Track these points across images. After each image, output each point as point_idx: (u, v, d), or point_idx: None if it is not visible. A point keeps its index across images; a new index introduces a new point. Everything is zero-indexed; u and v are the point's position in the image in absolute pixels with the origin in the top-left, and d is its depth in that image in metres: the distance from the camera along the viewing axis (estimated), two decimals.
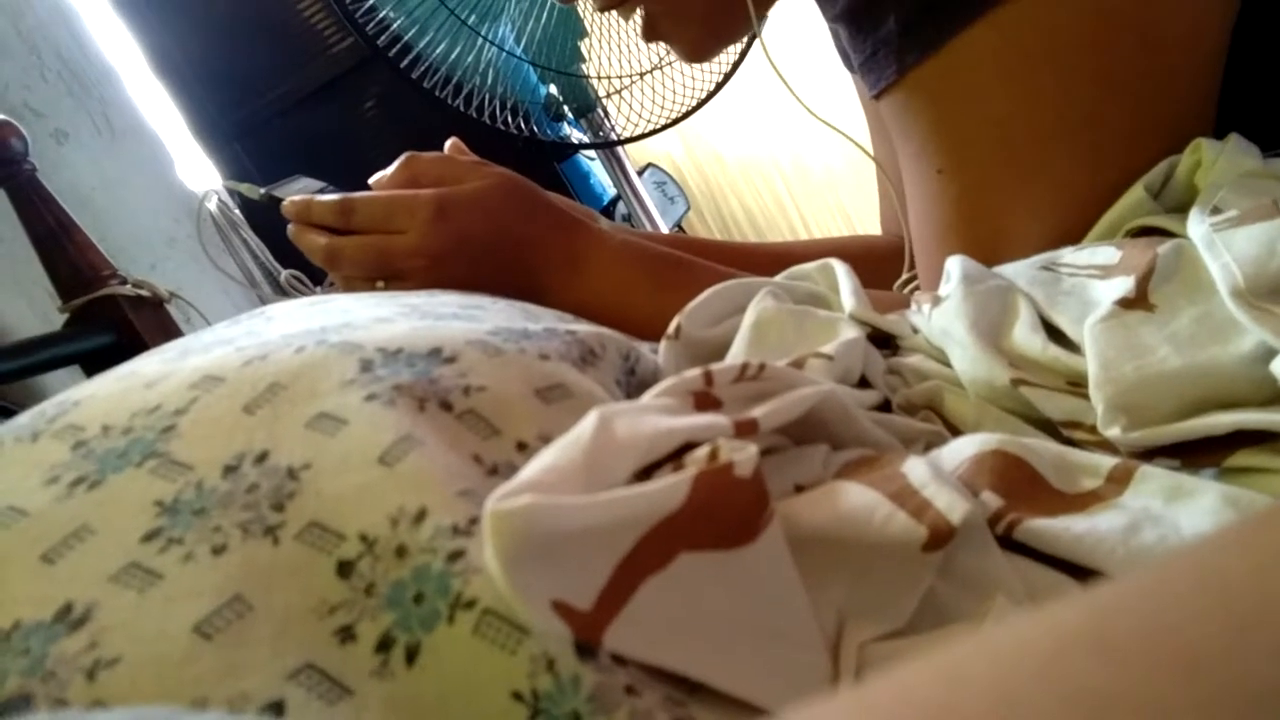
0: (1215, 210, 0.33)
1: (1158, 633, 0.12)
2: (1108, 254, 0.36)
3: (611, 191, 1.37)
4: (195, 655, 0.23)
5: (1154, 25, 0.42)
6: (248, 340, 0.36)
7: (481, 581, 0.24)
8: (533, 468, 0.25)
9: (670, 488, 0.24)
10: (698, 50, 0.72)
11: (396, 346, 0.34)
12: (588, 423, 0.27)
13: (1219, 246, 0.30)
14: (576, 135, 1.23)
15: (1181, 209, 0.36)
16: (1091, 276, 0.35)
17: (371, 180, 0.67)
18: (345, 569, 0.25)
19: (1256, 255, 0.28)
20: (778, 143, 2.06)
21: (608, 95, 1.16)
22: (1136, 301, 0.31)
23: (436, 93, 1.03)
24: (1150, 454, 0.29)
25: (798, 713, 0.12)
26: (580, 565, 0.23)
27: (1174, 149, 0.40)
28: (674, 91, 1.17)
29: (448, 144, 0.72)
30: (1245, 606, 0.12)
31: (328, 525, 0.26)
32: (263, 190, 0.67)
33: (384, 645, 0.23)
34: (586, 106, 1.17)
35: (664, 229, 1.33)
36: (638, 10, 0.68)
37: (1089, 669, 0.11)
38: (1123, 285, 0.32)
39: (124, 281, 0.85)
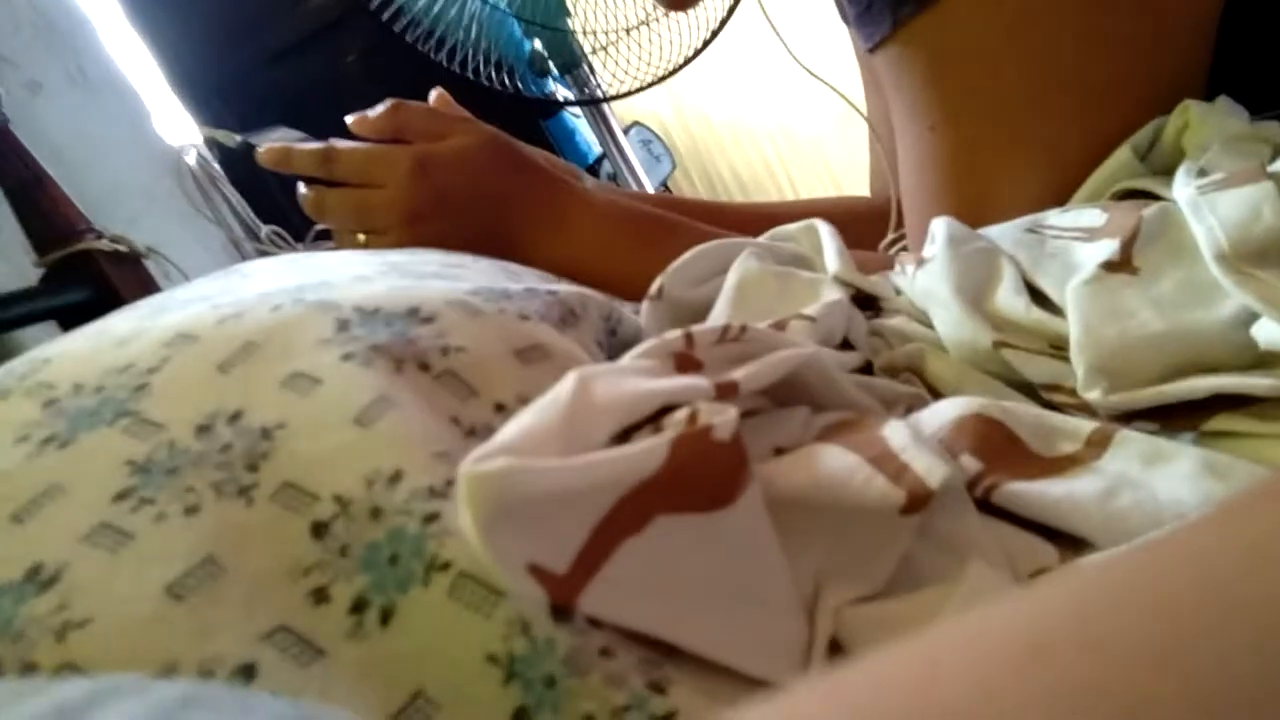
0: (1202, 173, 0.32)
1: (1141, 625, 0.12)
2: (1093, 216, 0.35)
3: (597, 150, 1.36)
4: (166, 617, 0.23)
5: None
6: (223, 298, 0.36)
7: (457, 544, 0.23)
8: (510, 430, 0.24)
9: (648, 451, 0.24)
10: None
11: (374, 306, 0.33)
12: (566, 384, 0.26)
13: (1204, 210, 0.29)
14: (562, 92, 1.21)
15: (1169, 171, 0.36)
16: (1076, 239, 0.35)
17: (351, 120, 0.65)
18: (319, 530, 0.25)
19: (1241, 219, 0.28)
20: (767, 104, 2.04)
21: (593, 51, 1.14)
22: (1120, 264, 0.31)
23: (419, 47, 1.01)
24: (1130, 417, 0.29)
25: (774, 699, 0.12)
26: (556, 528, 0.22)
27: (1166, 112, 0.40)
28: (661, 48, 1.15)
29: (432, 95, 0.70)
30: (1230, 598, 0.12)
31: (302, 486, 0.26)
32: (239, 138, 0.66)
33: (358, 607, 0.23)
34: (572, 62, 1.15)
35: (649, 188, 1.32)
36: None
37: (1072, 661, 0.11)
38: (1107, 248, 0.32)
39: (100, 236, 0.84)
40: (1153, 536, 0.15)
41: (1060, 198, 0.41)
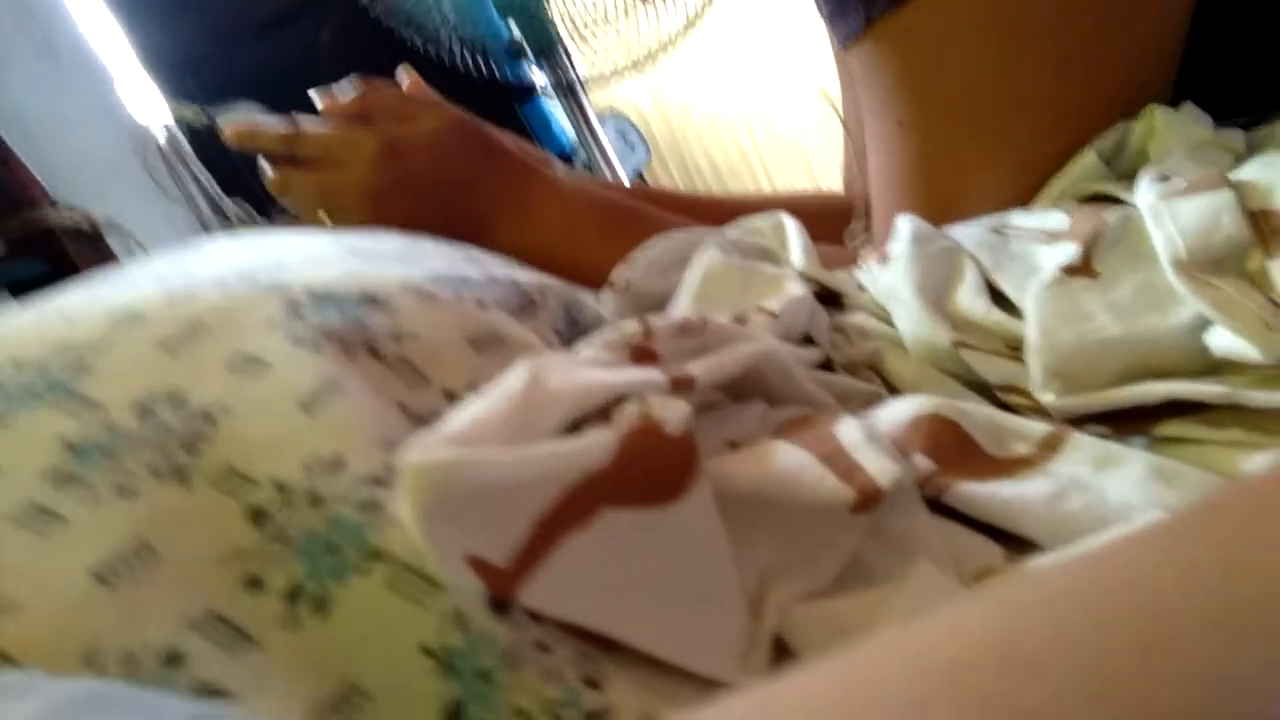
0: (1164, 178, 0.32)
1: (1069, 648, 0.11)
2: (1057, 219, 0.35)
3: (573, 136, 1.35)
4: (92, 602, 0.22)
5: None
6: (175, 277, 0.35)
7: (396, 534, 0.23)
8: (456, 419, 0.24)
9: (596, 444, 0.23)
10: None
11: (327, 289, 0.33)
12: (517, 374, 0.26)
13: (1164, 216, 0.29)
14: (538, 77, 1.20)
15: (1133, 176, 0.36)
16: (1039, 241, 0.35)
17: (318, 98, 0.65)
18: (257, 516, 0.24)
19: (1200, 226, 0.28)
20: (747, 96, 2.04)
21: (570, 37, 1.13)
22: (1080, 268, 0.31)
23: (393, 28, 1.00)
24: (1083, 420, 0.29)
25: (702, 710, 0.12)
26: (498, 521, 0.22)
27: (1133, 116, 0.40)
28: (639, 35, 1.14)
29: (401, 76, 0.69)
30: (1160, 624, 0.12)
31: (241, 470, 0.25)
32: (204, 114, 0.65)
33: (293, 595, 0.23)
34: (548, 47, 1.14)
35: (624, 177, 1.31)
36: None
37: (998, 682, 0.11)
38: (1068, 251, 0.32)
39: (60, 210, 0.82)
40: (1092, 550, 0.15)
41: (1026, 198, 0.41)
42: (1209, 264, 0.27)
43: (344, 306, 0.31)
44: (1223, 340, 0.26)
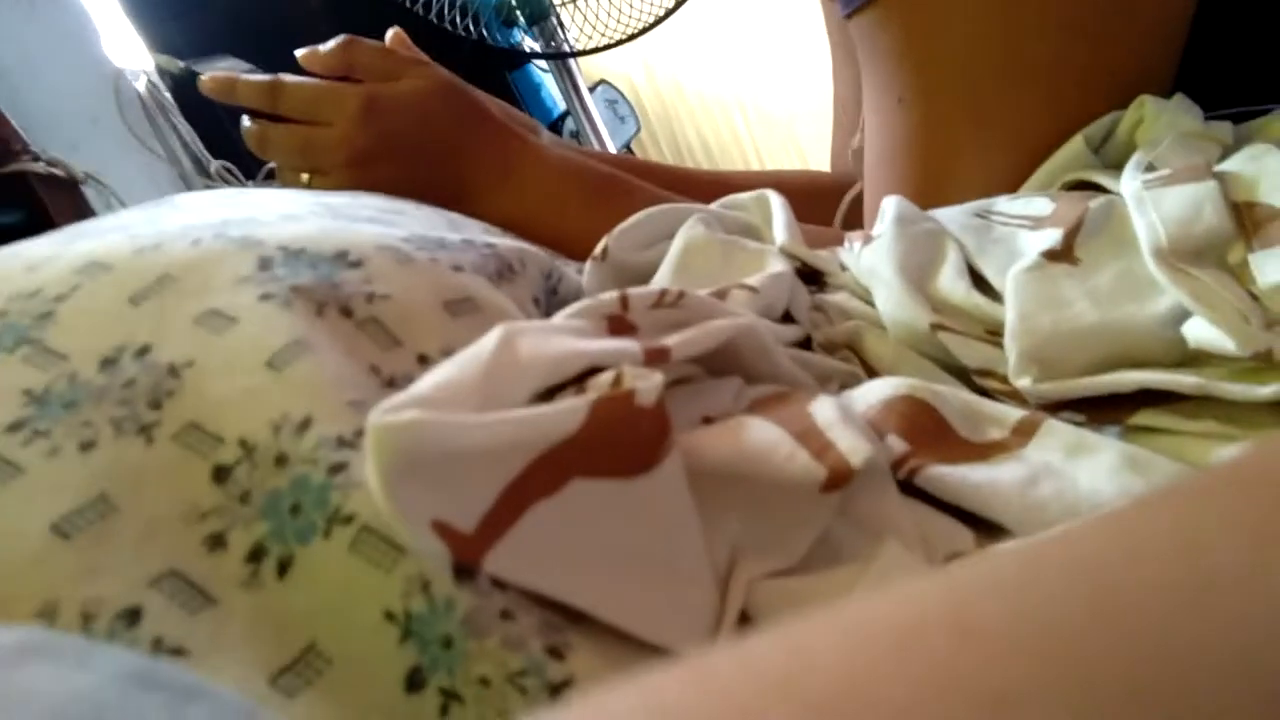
0: (1150, 167, 0.32)
1: (1018, 617, 0.11)
2: (1041, 205, 0.35)
3: (561, 106, 1.33)
4: (50, 555, 0.22)
5: None
6: (145, 228, 0.34)
7: (362, 497, 0.23)
8: (426, 382, 0.24)
9: (567, 412, 0.23)
10: None
11: (300, 246, 0.32)
12: (490, 339, 0.25)
13: (1147, 204, 0.29)
14: (529, 43, 1.19)
15: (1120, 164, 0.36)
16: (1022, 226, 0.35)
17: (301, 54, 0.63)
18: (221, 474, 0.24)
19: (1182, 216, 0.28)
20: (741, 75, 2.02)
21: (563, 4, 1.12)
22: (1061, 254, 0.31)
23: None
24: (1058, 407, 0.29)
25: (640, 678, 0.12)
26: (465, 486, 0.22)
27: (1128, 103, 0.40)
28: (634, 5, 1.13)
29: (389, 34, 0.68)
30: (1110, 596, 0.12)
31: (206, 427, 0.25)
32: (182, 64, 0.64)
33: (255, 555, 0.22)
34: (540, 14, 1.12)
35: (611, 148, 1.30)
36: None
37: (944, 649, 0.11)
38: (1050, 237, 0.32)
39: (36, 158, 0.81)
40: (1040, 534, 0.15)
41: (1017, 180, 0.41)
42: (1189, 254, 0.27)
43: (317, 264, 0.31)
44: (1199, 331, 0.26)
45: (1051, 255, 0.30)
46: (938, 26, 0.42)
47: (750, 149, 2.10)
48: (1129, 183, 0.32)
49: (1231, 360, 0.26)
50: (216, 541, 0.23)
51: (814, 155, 2.00)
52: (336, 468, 0.23)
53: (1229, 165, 0.31)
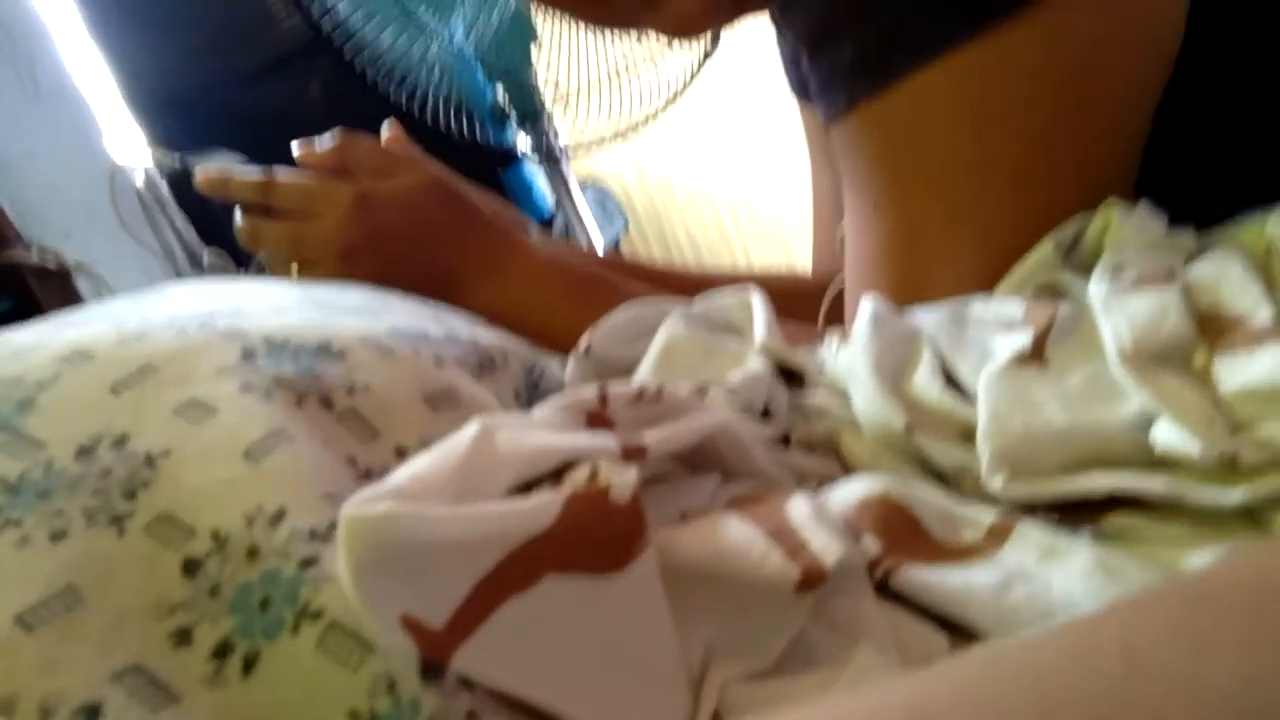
0: (1117, 271, 0.33)
1: (971, 713, 0.12)
2: (1013, 308, 0.36)
3: (552, 202, 1.36)
4: (12, 647, 0.21)
5: (1097, 89, 0.43)
6: (131, 317, 0.35)
7: (332, 591, 0.22)
8: (401, 474, 0.24)
9: (541, 507, 0.23)
10: (685, 22, 0.68)
11: (284, 337, 0.32)
12: (467, 432, 0.26)
13: (1114, 308, 0.30)
14: (521, 141, 1.22)
15: (1089, 268, 0.37)
16: (996, 328, 0.36)
17: (297, 149, 0.65)
18: (191, 567, 0.24)
19: (1147, 321, 0.29)
20: (731, 175, 2.07)
21: (554, 103, 1.15)
22: (1032, 357, 0.31)
23: (379, 84, 1.01)
24: (1032, 508, 0.29)
25: None
26: (437, 580, 0.22)
27: (1095, 206, 0.41)
28: (624, 105, 1.16)
29: (385, 130, 0.70)
30: (1057, 696, 0.12)
31: (179, 519, 0.25)
32: (177, 159, 0.65)
33: (221, 651, 0.22)
34: (532, 112, 1.16)
35: (600, 246, 1.32)
36: None
37: None
38: (1022, 339, 0.32)
39: (28, 247, 0.82)
40: (1001, 642, 0.16)
41: (991, 283, 0.42)
42: (1154, 358, 0.28)
43: (299, 355, 0.31)
44: (1165, 436, 0.26)
45: (1022, 357, 0.31)
46: (912, 135, 0.44)
47: (739, 247, 2.13)
48: (1097, 287, 0.33)
49: (1199, 464, 0.26)
50: (183, 636, 0.22)
51: (801, 253, 2.03)
52: (308, 561, 0.23)
53: (1193, 272, 0.32)
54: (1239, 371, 0.27)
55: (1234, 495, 0.25)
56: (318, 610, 0.22)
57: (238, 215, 0.63)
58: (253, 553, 0.24)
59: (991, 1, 0.40)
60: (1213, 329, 0.28)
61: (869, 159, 0.46)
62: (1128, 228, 0.36)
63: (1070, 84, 0.41)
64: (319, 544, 0.24)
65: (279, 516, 0.24)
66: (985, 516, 0.28)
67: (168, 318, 0.34)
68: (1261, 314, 0.28)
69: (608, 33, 1.08)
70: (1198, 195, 0.42)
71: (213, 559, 0.24)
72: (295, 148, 0.66)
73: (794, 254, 2.04)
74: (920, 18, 0.42)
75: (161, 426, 0.27)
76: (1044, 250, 0.38)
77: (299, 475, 0.26)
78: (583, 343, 0.44)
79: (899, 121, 0.45)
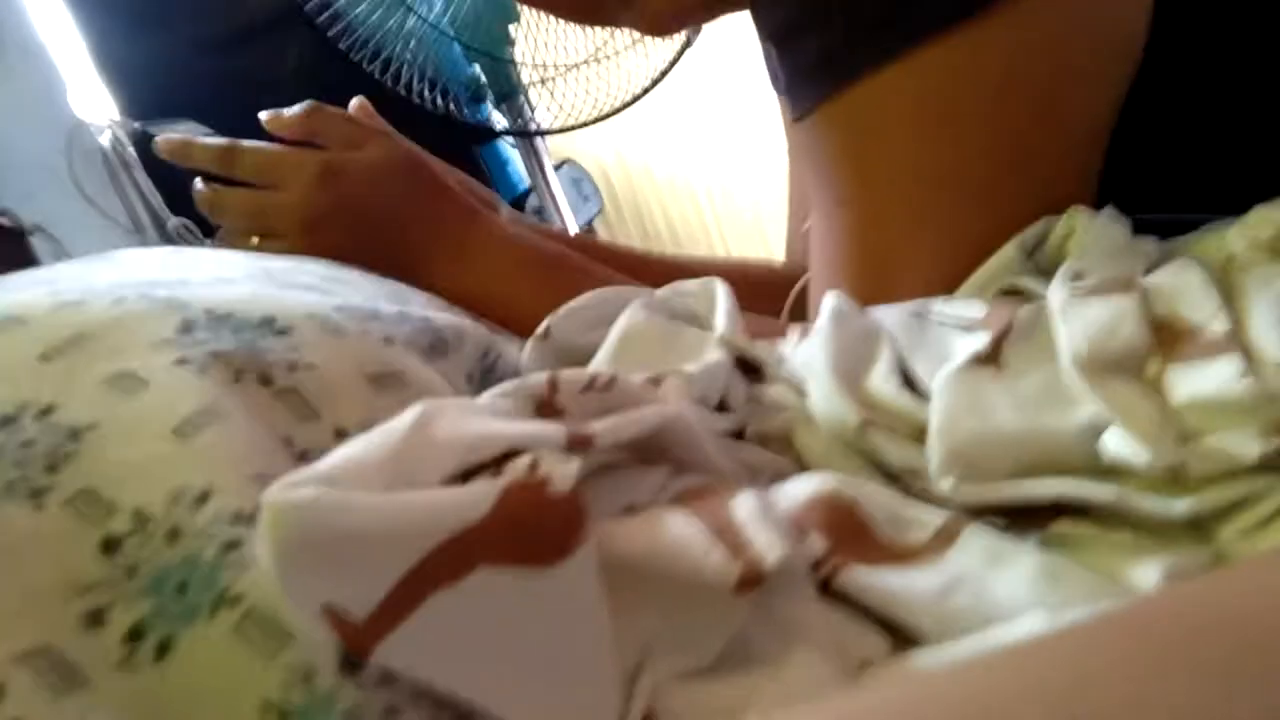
0: (1077, 276, 0.33)
1: None
2: (974, 308, 0.36)
3: (528, 181, 1.35)
4: None
5: (1059, 94, 0.42)
6: (71, 283, 0.34)
7: (253, 577, 0.22)
8: (333, 458, 0.23)
9: (475, 497, 0.22)
10: (658, 21, 0.68)
11: (227, 310, 0.31)
12: (406, 417, 0.25)
13: (1071, 314, 0.30)
14: (498, 119, 1.21)
15: (1051, 272, 0.36)
16: (956, 328, 0.35)
17: (265, 117, 0.64)
18: (110, 545, 0.23)
19: (1102, 328, 0.28)
20: (710, 161, 2.06)
21: (533, 84, 1.14)
22: (989, 359, 0.31)
23: (355, 56, 1.00)
24: (981, 511, 0.29)
25: None
26: (361, 571, 0.21)
27: (1058, 212, 0.41)
28: (605, 88, 1.15)
29: (353, 103, 0.69)
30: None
31: (101, 494, 0.24)
32: (138, 125, 0.64)
33: (135, 635, 0.21)
34: (510, 92, 1.14)
35: (573, 225, 1.31)
36: None
37: None
38: (980, 340, 0.32)
39: None
40: (938, 672, 0.15)
41: (953, 284, 0.42)
42: (1108, 365, 0.27)
43: (241, 329, 0.30)
44: (1114, 445, 0.26)
45: (979, 359, 0.31)
46: (877, 135, 0.43)
47: (716, 235, 2.13)
48: (1056, 291, 0.32)
49: (1147, 473, 0.26)
50: (96, 618, 0.22)
51: (777, 243, 2.03)
52: (231, 545, 0.22)
53: (1152, 280, 0.32)
54: (1190, 382, 0.26)
55: (1180, 506, 0.24)
56: (237, 596, 0.21)
57: (197, 182, 0.61)
58: (174, 534, 0.23)
59: (955, 2, 0.40)
60: (1168, 338, 0.28)
61: (833, 157, 0.46)
62: (1091, 234, 0.36)
63: (1034, 86, 0.41)
64: (244, 526, 0.23)
65: (204, 497, 0.24)
66: (934, 519, 0.28)
67: (108, 285, 0.33)
68: (1216, 325, 0.28)
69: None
70: (1162, 201, 0.42)
71: (133, 538, 0.23)
72: (263, 116, 0.65)
73: (771, 243, 2.04)
74: (884, 17, 0.41)
75: (90, 398, 0.27)
76: (1007, 253, 0.38)
77: (229, 454, 0.25)
78: (543, 327, 0.44)
79: (862, 121, 0.44)
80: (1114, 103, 0.44)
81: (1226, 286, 0.30)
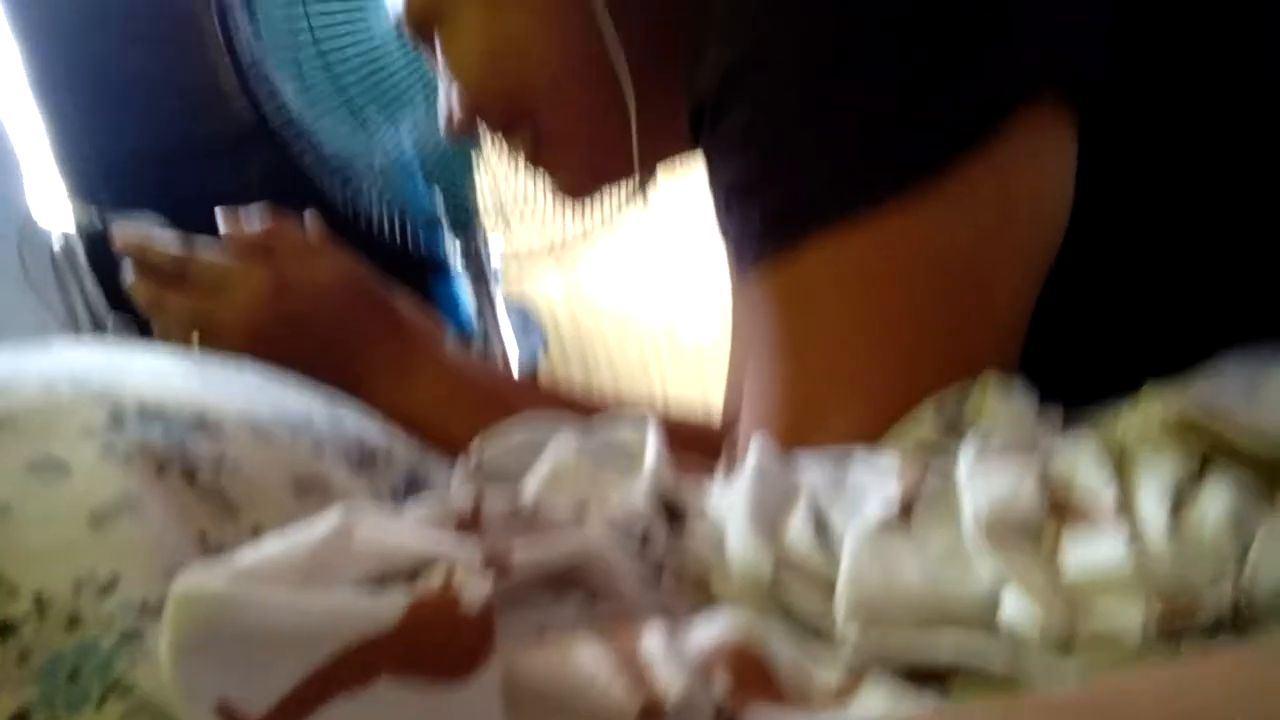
0: (985, 441, 0.35)
1: None
2: (889, 464, 0.37)
3: (475, 314, 1.37)
4: None
5: (984, 266, 0.45)
6: (2, 368, 0.34)
7: (149, 668, 0.21)
8: (249, 554, 0.23)
9: (385, 605, 0.23)
10: (576, 185, 0.73)
11: (160, 406, 0.32)
12: (326, 520, 0.25)
13: (975, 479, 0.31)
14: (452, 248, 1.23)
15: (964, 432, 0.38)
16: (871, 483, 0.37)
17: (223, 217, 0.65)
18: (5, 630, 0.22)
19: (1002, 493, 0.30)
20: (657, 304, 2.11)
21: (489, 216, 1.17)
22: (899, 516, 0.32)
23: (318, 177, 1.02)
24: (885, 665, 0.29)
25: None
26: (262, 668, 0.21)
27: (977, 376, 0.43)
28: (559, 221, 1.18)
29: (307, 218, 0.71)
30: None
31: (4, 577, 0.23)
32: (96, 213, 0.65)
33: None
34: (465, 221, 1.18)
35: (516, 362, 1.33)
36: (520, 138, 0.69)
37: None
38: (891, 497, 0.33)
39: None
40: None
41: (876, 437, 0.44)
42: (1007, 530, 0.29)
43: (171, 426, 0.30)
44: (1011, 612, 0.27)
45: (889, 516, 0.32)
46: (811, 297, 0.46)
47: (657, 376, 2.16)
48: (963, 455, 0.34)
49: (1042, 635, 0.27)
50: None
51: (717, 389, 2.06)
52: (131, 635, 0.22)
53: (1053, 446, 0.33)
54: (1081, 550, 0.28)
55: (1068, 669, 0.25)
56: (129, 686, 0.21)
57: (127, 273, 0.62)
58: (74, 621, 0.22)
59: (891, 176, 0.43)
60: (1064, 504, 0.30)
61: (771, 314, 0.48)
62: (1001, 401, 0.38)
63: (958, 259, 0.44)
64: (148, 618, 0.23)
65: (111, 585, 0.23)
66: (837, 670, 0.29)
67: (40, 372, 0.33)
68: (1106, 496, 0.29)
69: None
70: (1079, 373, 0.44)
71: (29, 624, 0.22)
72: (221, 219, 0.67)
73: (709, 384, 2.06)
74: (824, 186, 0.45)
75: (8, 481, 0.26)
76: (925, 413, 0.40)
77: (142, 545, 0.25)
78: (474, 458, 0.44)
79: (798, 284, 0.47)
80: (1037, 276, 0.47)
81: (1119, 459, 0.32)
